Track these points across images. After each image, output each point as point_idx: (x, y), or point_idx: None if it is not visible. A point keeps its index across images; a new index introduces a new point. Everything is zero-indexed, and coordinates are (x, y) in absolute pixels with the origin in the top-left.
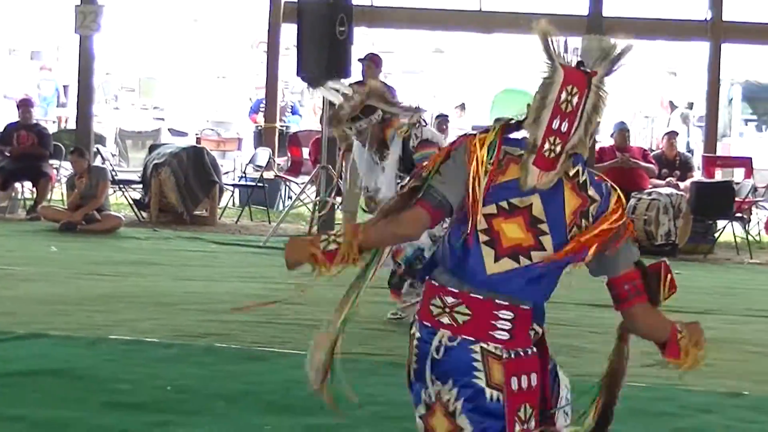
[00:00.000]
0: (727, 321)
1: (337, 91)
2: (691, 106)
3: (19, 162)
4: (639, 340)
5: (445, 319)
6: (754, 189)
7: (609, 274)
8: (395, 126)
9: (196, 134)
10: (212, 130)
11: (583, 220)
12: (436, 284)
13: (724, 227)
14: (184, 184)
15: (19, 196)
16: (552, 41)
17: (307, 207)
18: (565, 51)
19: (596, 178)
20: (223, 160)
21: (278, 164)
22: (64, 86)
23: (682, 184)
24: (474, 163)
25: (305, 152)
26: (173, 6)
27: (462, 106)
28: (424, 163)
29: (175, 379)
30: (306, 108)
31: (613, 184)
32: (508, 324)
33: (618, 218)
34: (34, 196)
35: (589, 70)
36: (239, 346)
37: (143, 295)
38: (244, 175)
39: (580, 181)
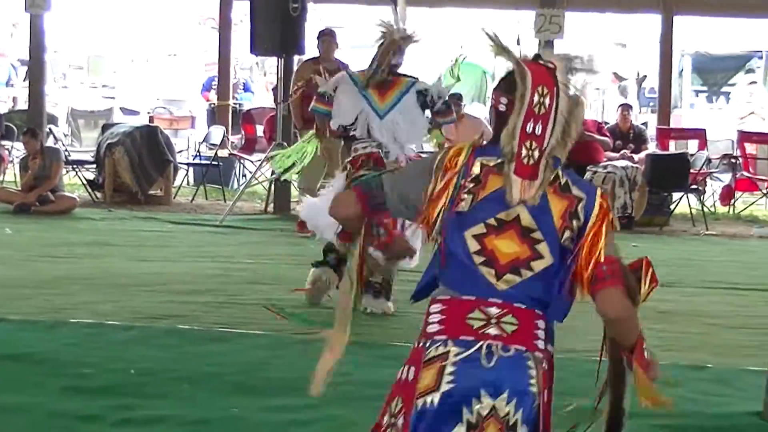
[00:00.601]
0: (686, 293)
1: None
2: (643, 78)
3: None
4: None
5: (493, 330)
6: (708, 161)
7: None
8: None
9: (149, 113)
10: (164, 108)
11: (574, 221)
12: (470, 298)
13: (680, 199)
14: (138, 164)
15: None
16: (507, 45)
17: (263, 185)
18: (518, 45)
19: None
20: (176, 138)
21: (232, 142)
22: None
23: (636, 157)
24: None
25: (259, 129)
26: None
27: None
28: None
29: (138, 362)
30: (257, 84)
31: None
32: (543, 333)
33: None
34: None
35: (550, 64)
36: (201, 328)
37: (101, 276)
38: (198, 153)
39: (562, 183)
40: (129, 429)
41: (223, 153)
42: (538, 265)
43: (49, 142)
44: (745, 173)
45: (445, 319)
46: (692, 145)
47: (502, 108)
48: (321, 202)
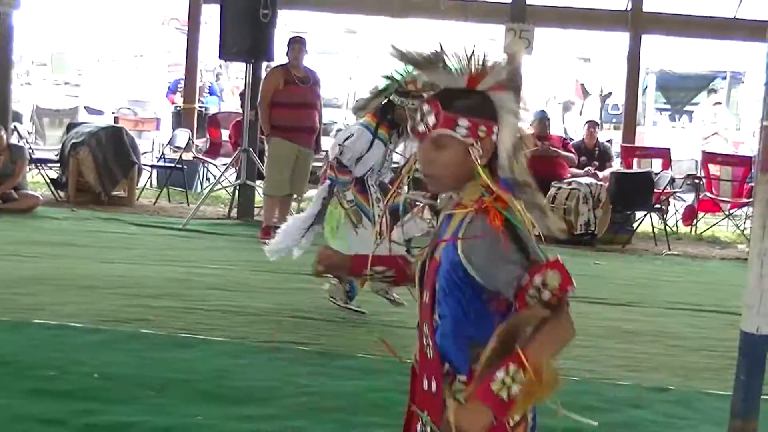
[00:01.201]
0: (649, 314)
1: None
2: (608, 95)
3: None
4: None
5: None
6: (672, 180)
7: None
8: None
9: (113, 113)
10: (129, 109)
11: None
12: None
13: (643, 218)
14: (102, 164)
15: None
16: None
17: (227, 190)
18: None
19: None
20: (140, 140)
21: (197, 146)
22: None
23: (601, 174)
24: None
25: (224, 134)
26: None
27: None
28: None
29: (102, 367)
30: (223, 89)
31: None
32: None
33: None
34: None
35: None
36: (166, 333)
37: (65, 277)
38: (162, 156)
39: None
40: None
41: (188, 156)
42: None
43: (13, 140)
44: (708, 194)
45: None
46: (656, 164)
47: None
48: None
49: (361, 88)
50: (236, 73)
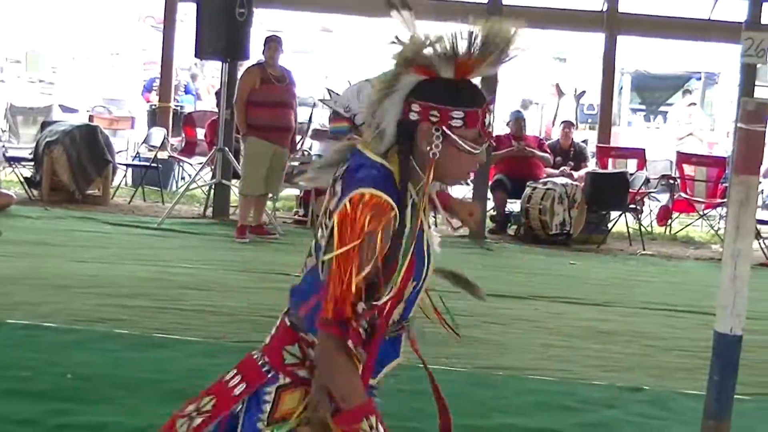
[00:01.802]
0: (624, 314)
1: None
2: (581, 94)
3: None
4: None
5: None
6: (647, 180)
7: None
8: None
9: (88, 111)
10: (104, 107)
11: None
12: None
13: (618, 218)
14: (76, 163)
15: None
16: None
17: (202, 189)
18: None
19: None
20: (115, 138)
21: (172, 144)
22: None
23: (576, 174)
24: None
25: (200, 133)
26: None
27: None
28: None
29: (76, 367)
30: (198, 87)
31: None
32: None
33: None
34: None
35: None
36: (140, 333)
37: (39, 277)
38: (137, 154)
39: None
40: None
41: (163, 155)
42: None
43: None
44: (683, 194)
45: None
46: (631, 164)
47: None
48: None
49: (338, 87)
50: (212, 72)
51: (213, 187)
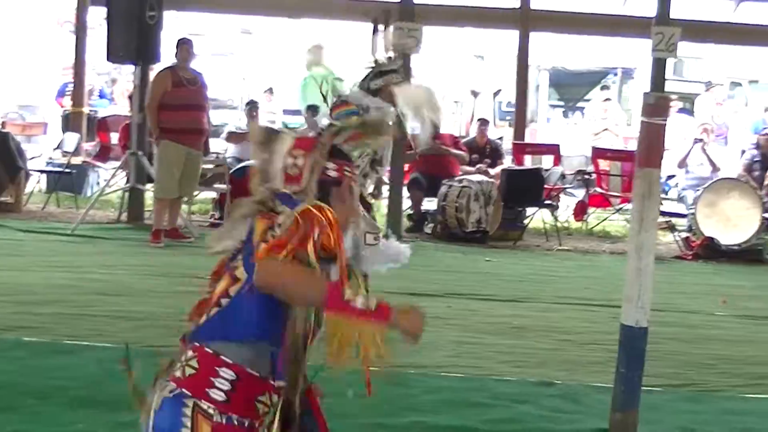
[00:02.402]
0: (539, 309)
1: None
2: (498, 92)
3: None
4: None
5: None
6: (563, 176)
7: None
8: None
9: (1, 118)
10: (17, 113)
11: (270, 234)
12: None
13: (534, 214)
14: None
15: None
16: None
17: (117, 194)
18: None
19: None
20: (28, 144)
21: (86, 149)
22: None
23: (492, 171)
24: None
25: (114, 137)
26: None
27: (270, 90)
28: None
29: None
30: (114, 92)
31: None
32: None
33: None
34: None
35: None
36: (48, 340)
37: None
38: (50, 160)
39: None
40: None
41: (77, 160)
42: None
43: None
44: (598, 189)
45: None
46: (547, 160)
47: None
48: None
49: (256, 89)
50: (129, 77)
51: (127, 191)
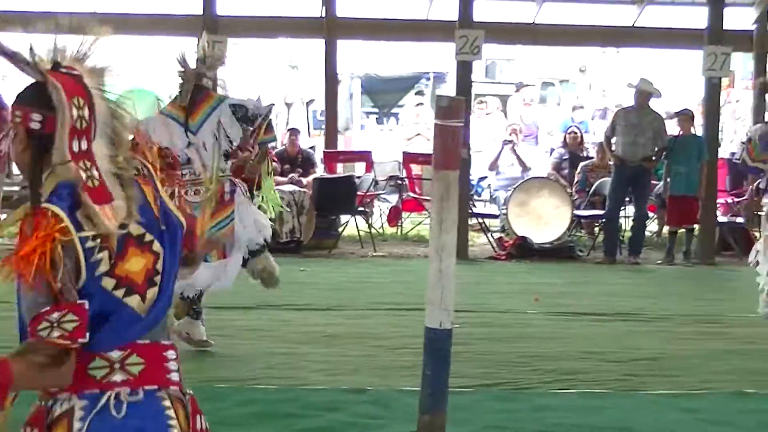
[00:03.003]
0: (351, 316)
1: None
2: (310, 101)
3: None
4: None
5: (118, 376)
6: (375, 182)
7: None
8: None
9: None
10: None
11: (159, 204)
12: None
13: (348, 222)
14: None
15: None
16: (31, 48)
17: None
18: (54, 54)
19: None
20: None
21: None
22: None
23: (304, 180)
24: None
25: None
26: None
27: None
28: None
29: None
30: None
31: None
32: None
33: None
34: None
35: (74, 71)
36: None
37: None
38: None
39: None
40: None
41: None
42: (160, 265)
43: None
44: (411, 194)
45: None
46: (360, 167)
47: (35, 126)
48: None
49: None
50: None
51: None
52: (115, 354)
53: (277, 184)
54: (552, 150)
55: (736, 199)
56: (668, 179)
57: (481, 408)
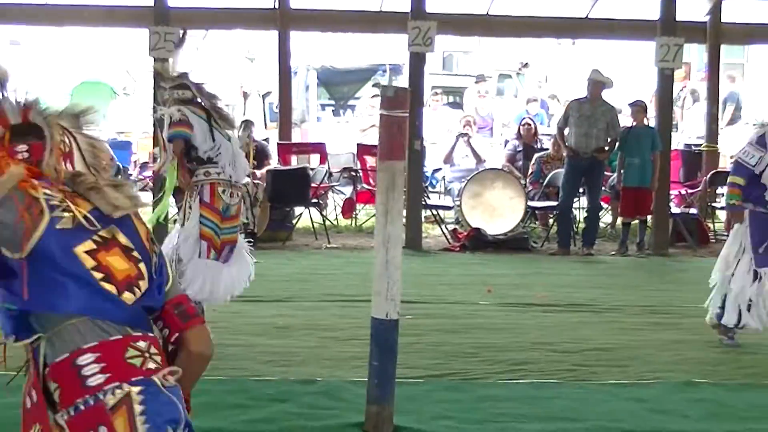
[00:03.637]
0: (303, 308)
1: None
2: (267, 93)
3: None
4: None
5: (152, 365)
6: (329, 174)
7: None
8: None
9: None
10: None
11: (154, 246)
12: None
13: (302, 214)
14: None
15: None
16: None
17: None
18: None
19: None
20: None
21: None
22: None
23: (258, 173)
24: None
25: None
26: None
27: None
28: None
29: None
30: None
31: None
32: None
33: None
34: None
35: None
36: None
37: None
38: None
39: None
40: None
41: None
42: (143, 286)
43: None
44: (365, 185)
45: (106, 367)
46: (314, 159)
47: (23, 157)
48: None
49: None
50: None
51: None
52: (142, 344)
53: None
54: (506, 142)
55: (689, 191)
56: (622, 170)
57: (430, 398)
